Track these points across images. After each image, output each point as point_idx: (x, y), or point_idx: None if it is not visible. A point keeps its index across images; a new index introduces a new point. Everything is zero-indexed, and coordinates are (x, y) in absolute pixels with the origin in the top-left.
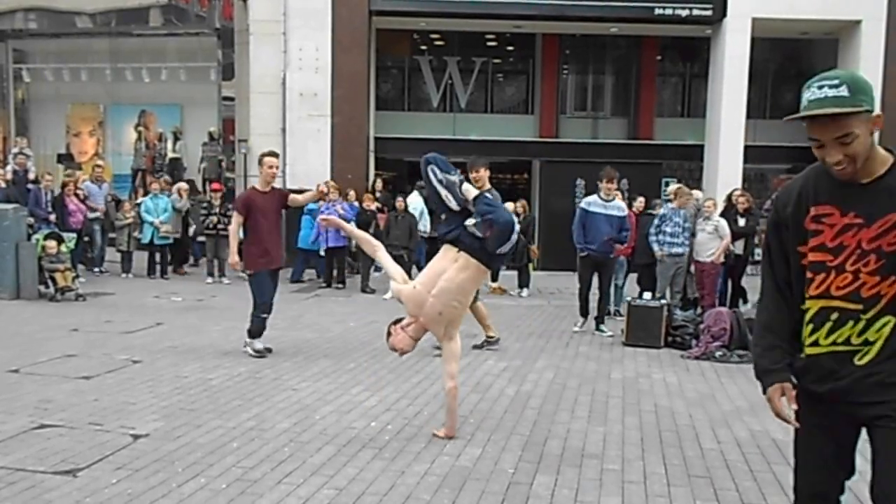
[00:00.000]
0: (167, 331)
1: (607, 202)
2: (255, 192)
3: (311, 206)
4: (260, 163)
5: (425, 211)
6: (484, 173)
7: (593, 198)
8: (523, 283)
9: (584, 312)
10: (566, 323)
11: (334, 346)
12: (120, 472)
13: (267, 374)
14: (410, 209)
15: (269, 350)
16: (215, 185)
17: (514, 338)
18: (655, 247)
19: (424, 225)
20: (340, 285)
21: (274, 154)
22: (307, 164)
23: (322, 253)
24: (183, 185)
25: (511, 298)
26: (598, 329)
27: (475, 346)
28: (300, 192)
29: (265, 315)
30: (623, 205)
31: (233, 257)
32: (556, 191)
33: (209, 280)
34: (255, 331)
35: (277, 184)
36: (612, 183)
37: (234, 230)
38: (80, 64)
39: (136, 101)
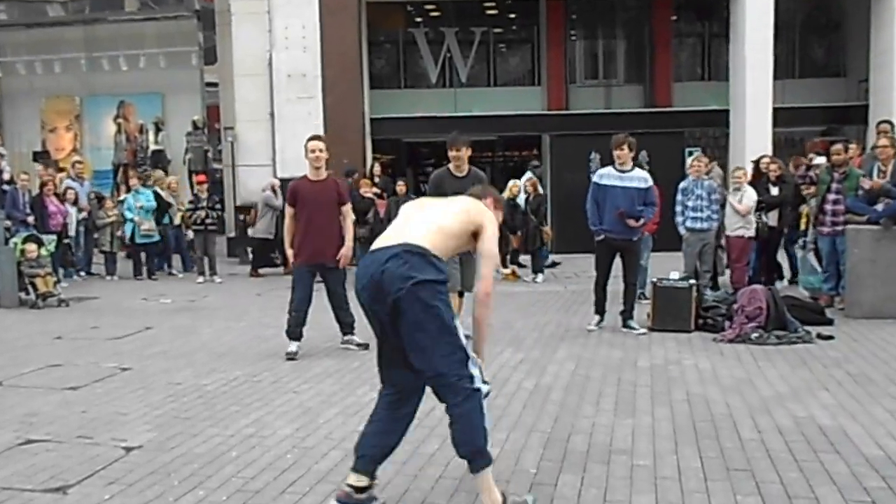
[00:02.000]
0: (157, 335)
1: (623, 173)
2: (304, 181)
3: None
4: (305, 149)
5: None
6: (465, 153)
7: (607, 169)
8: (537, 268)
9: (601, 310)
10: (586, 308)
11: (337, 344)
12: (112, 487)
13: (265, 378)
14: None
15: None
16: (201, 177)
17: (531, 327)
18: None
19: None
20: None
21: (316, 137)
22: (298, 150)
23: None
24: (275, 181)
25: (525, 285)
26: (625, 326)
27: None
28: (289, 180)
29: (296, 313)
30: (646, 175)
31: (287, 250)
32: (568, 166)
33: (200, 279)
34: (288, 328)
35: (268, 172)
36: (623, 149)
37: (288, 223)
38: (54, 55)
39: (114, 92)
